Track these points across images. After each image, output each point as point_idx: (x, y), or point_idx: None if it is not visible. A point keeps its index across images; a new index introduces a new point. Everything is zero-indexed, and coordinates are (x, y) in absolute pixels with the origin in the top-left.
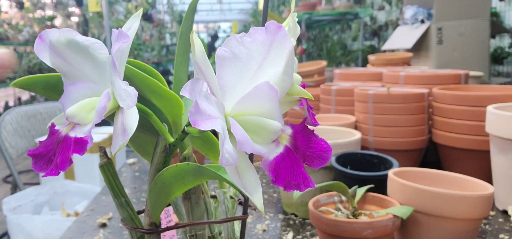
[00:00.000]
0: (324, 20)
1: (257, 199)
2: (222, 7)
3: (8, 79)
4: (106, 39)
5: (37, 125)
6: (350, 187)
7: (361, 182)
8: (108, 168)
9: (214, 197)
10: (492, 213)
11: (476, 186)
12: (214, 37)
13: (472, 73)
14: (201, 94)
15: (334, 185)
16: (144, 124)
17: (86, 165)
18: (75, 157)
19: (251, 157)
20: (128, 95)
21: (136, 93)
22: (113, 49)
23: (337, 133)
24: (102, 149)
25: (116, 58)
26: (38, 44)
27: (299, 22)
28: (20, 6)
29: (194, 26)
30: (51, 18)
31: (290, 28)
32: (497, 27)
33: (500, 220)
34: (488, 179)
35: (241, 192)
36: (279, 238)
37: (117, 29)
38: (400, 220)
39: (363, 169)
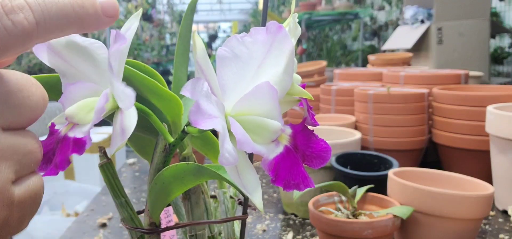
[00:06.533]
0: (324, 20)
1: (257, 199)
2: (222, 7)
3: None
4: (106, 39)
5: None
6: (350, 187)
7: (361, 182)
8: (108, 168)
9: (214, 197)
10: (492, 213)
11: (476, 186)
12: (213, 37)
13: (472, 73)
14: (202, 94)
15: (334, 185)
16: (144, 124)
17: (86, 165)
18: (75, 157)
19: (250, 157)
20: (126, 96)
21: (134, 94)
22: (110, 50)
23: (337, 133)
24: (102, 149)
25: (114, 59)
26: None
27: (299, 22)
28: None
29: (194, 26)
30: None
31: (290, 28)
32: (497, 27)
33: (500, 220)
34: (488, 179)
35: (241, 192)
36: (279, 238)
37: (115, 30)
38: (400, 220)
39: (363, 169)
